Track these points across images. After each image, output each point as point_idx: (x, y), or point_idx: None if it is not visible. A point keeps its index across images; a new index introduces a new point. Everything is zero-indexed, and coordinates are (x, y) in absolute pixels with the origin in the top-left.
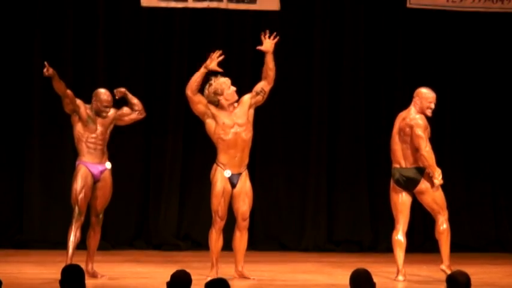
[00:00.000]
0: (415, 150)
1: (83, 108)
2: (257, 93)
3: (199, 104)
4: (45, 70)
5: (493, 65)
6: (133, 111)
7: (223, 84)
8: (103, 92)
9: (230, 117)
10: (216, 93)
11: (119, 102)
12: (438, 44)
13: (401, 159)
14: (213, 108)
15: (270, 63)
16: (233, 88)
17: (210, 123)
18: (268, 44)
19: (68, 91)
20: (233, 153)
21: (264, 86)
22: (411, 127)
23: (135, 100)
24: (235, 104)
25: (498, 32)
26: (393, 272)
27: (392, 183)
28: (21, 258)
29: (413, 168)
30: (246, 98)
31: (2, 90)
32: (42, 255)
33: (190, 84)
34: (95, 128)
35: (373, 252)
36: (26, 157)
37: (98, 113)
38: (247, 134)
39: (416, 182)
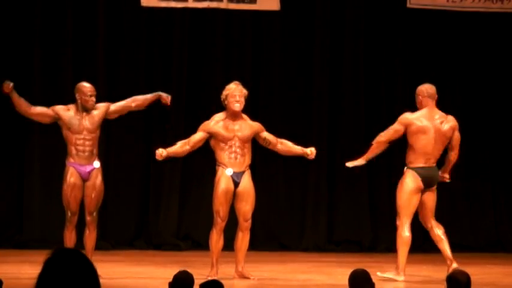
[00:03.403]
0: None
1: (63, 111)
2: (264, 139)
3: (203, 141)
4: (5, 87)
5: (493, 65)
6: (126, 107)
7: (229, 90)
8: (83, 84)
9: (232, 127)
10: (223, 97)
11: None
12: (438, 44)
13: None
14: (213, 128)
15: (294, 153)
16: (237, 99)
17: (211, 139)
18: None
19: (34, 110)
20: (234, 156)
21: (272, 141)
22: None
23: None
24: (247, 119)
25: (498, 32)
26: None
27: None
28: (21, 258)
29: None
30: (260, 127)
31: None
32: (42, 255)
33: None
34: (82, 128)
35: (373, 252)
36: (26, 157)
37: (85, 107)
38: (244, 144)
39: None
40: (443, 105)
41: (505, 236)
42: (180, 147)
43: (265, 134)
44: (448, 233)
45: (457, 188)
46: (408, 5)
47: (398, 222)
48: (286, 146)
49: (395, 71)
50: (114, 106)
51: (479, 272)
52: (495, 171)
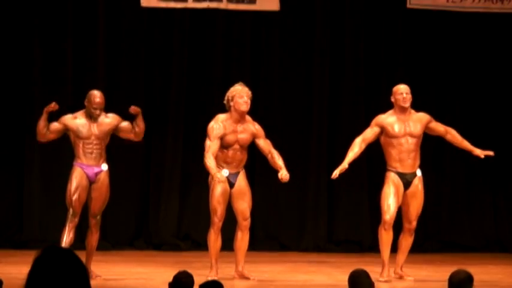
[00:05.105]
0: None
1: (70, 121)
2: (258, 145)
3: (217, 144)
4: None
5: (493, 65)
6: (132, 131)
7: (235, 91)
8: (94, 94)
9: (236, 131)
10: (228, 99)
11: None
12: (438, 44)
13: None
14: (223, 133)
15: (276, 168)
16: (245, 99)
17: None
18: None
19: (50, 135)
20: (230, 160)
21: (264, 150)
22: None
23: (141, 124)
24: (249, 121)
25: (498, 33)
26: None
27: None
28: (21, 258)
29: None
30: (259, 133)
31: (2, 90)
32: None
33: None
34: (90, 134)
35: (373, 252)
36: (26, 157)
37: (90, 115)
38: (243, 151)
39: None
40: (443, 105)
41: (505, 236)
42: (214, 161)
43: (261, 143)
44: (449, 233)
45: (457, 188)
46: (408, 6)
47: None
48: (272, 158)
49: (395, 72)
50: (123, 125)
51: (479, 272)
52: (495, 171)
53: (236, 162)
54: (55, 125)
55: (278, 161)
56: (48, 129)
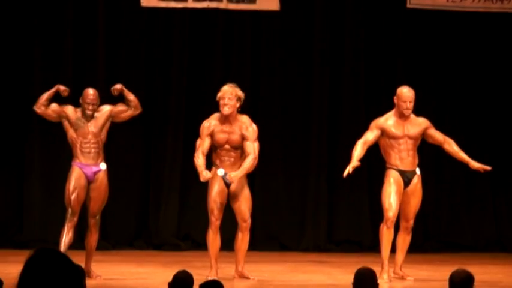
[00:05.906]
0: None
1: (71, 111)
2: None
3: (206, 142)
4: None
5: (493, 65)
6: (129, 108)
7: (220, 92)
8: (88, 91)
9: (226, 131)
10: (217, 99)
11: (117, 99)
12: (438, 44)
13: None
14: (212, 132)
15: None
16: (225, 102)
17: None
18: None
19: (48, 110)
20: (223, 159)
21: (246, 152)
22: None
23: (131, 96)
24: (243, 121)
25: (498, 32)
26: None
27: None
28: (21, 258)
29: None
30: (248, 136)
31: (2, 90)
32: None
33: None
34: (87, 131)
35: (373, 252)
36: (26, 157)
37: (84, 112)
38: (236, 150)
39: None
40: (443, 105)
41: (505, 236)
42: (203, 159)
43: (246, 145)
44: (449, 233)
45: (457, 188)
46: (408, 5)
47: None
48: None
49: (395, 72)
50: (116, 108)
51: (479, 272)
52: (495, 171)
53: (230, 162)
54: (56, 106)
55: (244, 163)
56: (48, 105)
